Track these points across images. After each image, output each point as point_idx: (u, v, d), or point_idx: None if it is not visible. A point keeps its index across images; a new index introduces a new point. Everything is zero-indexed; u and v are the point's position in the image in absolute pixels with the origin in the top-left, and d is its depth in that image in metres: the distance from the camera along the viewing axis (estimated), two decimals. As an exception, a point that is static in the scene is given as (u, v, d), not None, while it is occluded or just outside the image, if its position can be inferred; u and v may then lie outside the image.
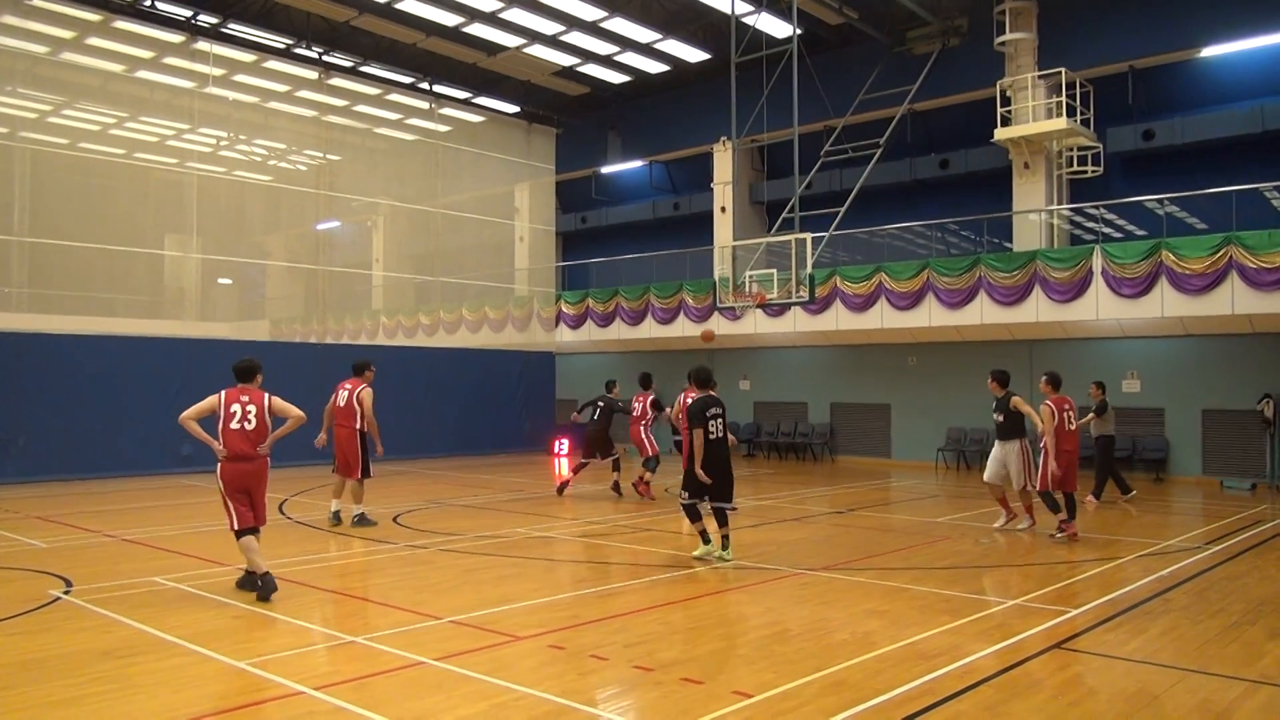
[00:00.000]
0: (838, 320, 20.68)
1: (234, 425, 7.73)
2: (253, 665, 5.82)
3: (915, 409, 21.67)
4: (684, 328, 23.05)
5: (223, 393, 7.87)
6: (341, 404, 11.56)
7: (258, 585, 7.62)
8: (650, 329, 23.85)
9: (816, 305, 19.98)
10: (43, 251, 19.71)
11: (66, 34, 20.24)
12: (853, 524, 12.47)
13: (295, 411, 7.98)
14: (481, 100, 26.37)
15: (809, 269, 17.42)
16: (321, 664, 6.02)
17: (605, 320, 24.87)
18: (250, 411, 7.82)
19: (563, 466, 20.10)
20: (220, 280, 24.83)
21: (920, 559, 9.72)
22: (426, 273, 27.68)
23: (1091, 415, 14.24)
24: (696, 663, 5.99)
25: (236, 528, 7.79)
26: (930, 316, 19.39)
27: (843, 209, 20.49)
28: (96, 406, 17.80)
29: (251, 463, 7.79)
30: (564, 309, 26.10)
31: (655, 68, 24.46)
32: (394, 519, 12.47)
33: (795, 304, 18.66)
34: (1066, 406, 11.01)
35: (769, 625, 7.02)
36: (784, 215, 20.32)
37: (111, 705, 5.16)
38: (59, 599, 7.74)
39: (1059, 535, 10.76)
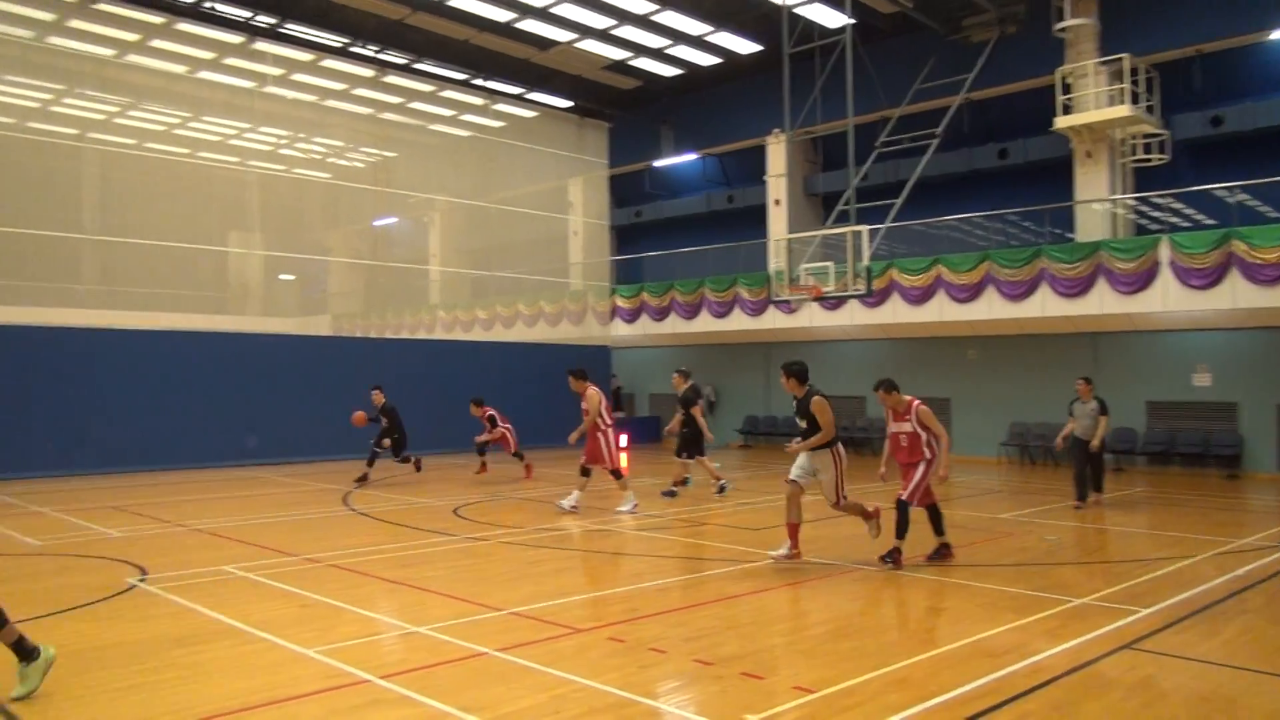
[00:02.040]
0: (895, 313, 20.43)
1: None
2: (320, 653, 5.93)
3: (976, 403, 21.33)
4: (739, 321, 22.96)
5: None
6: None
7: None
8: (705, 323, 23.79)
9: (873, 298, 19.74)
10: (112, 249, 20.26)
11: (131, 37, 20.74)
12: (912, 520, 12.29)
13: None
14: (534, 95, 26.50)
15: (865, 261, 17.23)
16: (387, 653, 6.11)
17: (660, 314, 24.86)
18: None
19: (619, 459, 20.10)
20: (282, 276, 25.30)
21: (983, 555, 9.57)
22: (482, 267, 27.93)
23: (1100, 419, 12.84)
24: (756, 657, 5.97)
25: None
26: (990, 309, 19.07)
27: (899, 200, 20.23)
28: (165, 400, 18.26)
29: None
30: (619, 303, 26.15)
31: (707, 60, 24.37)
32: (454, 511, 12.61)
33: (851, 297, 18.49)
34: None
35: (829, 621, 6.97)
36: (839, 207, 20.14)
37: (184, 691, 5.29)
38: (134, 587, 7.96)
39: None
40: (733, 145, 26.63)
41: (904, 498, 8.87)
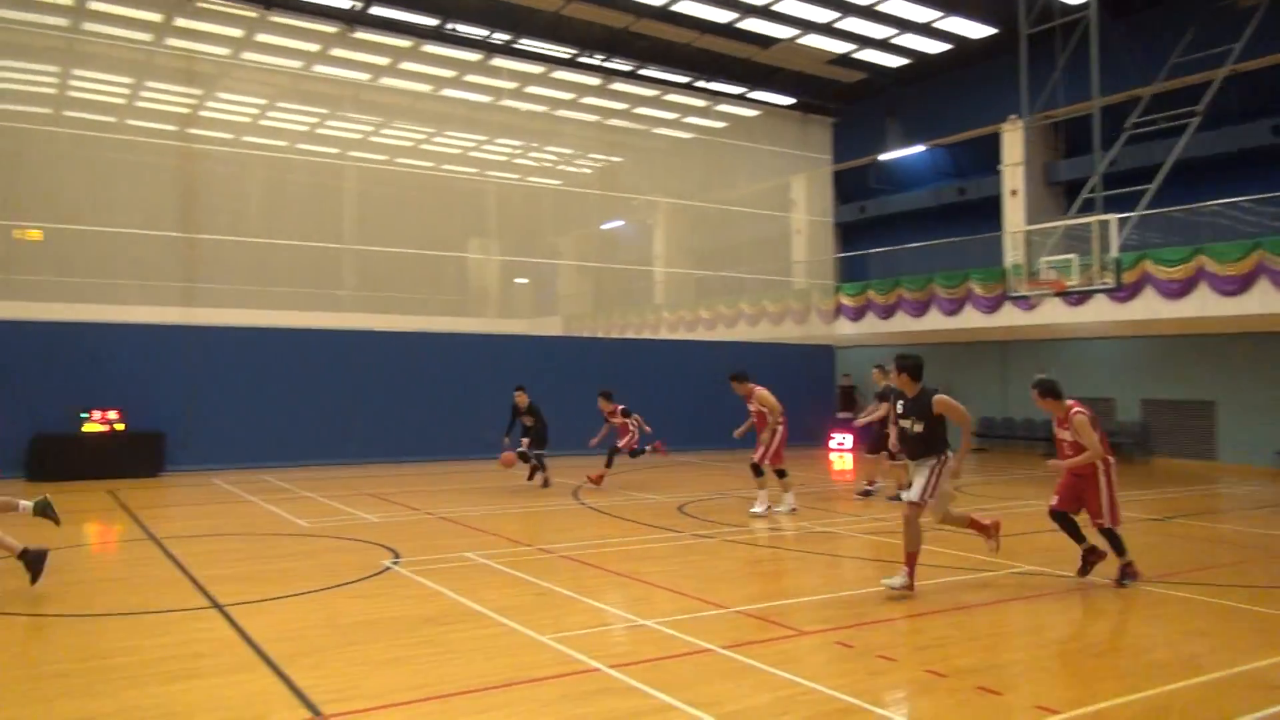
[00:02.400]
0: (1148, 308, 18.81)
1: None
2: (555, 640, 6.19)
3: (1247, 406, 19.30)
4: (972, 319, 21.93)
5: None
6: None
7: None
8: (935, 320, 22.90)
9: (1124, 292, 18.27)
10: (368, 258, 22.07)
11: (383, 61, 22.52)
12: (1173, 532, 11.32)
13: None
14: (756, 94, 26.46)
15: (1114, 252, 15.99)
16: (616, 644, 6.30)
17: (886, 312, 24.17)
18: None
19: (848, 462, 19.75)
20: (517, 280, 26.62)
21: (1258, 576, 8.64)
22: (705, 268, 28.21)
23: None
24: (994, 672, 5.68)
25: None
26: (1262, 303, 17.19)
27: (1153, 185, 18.58)
28: (415, 396, 19.67)
29: None
30: (843, 301, 25.65)
31: (935, 47, 23.42)
32: (679, 508, 12.81)
33: (1098, 291, 17.22)
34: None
35: (1075, 638, 6.53)
36: (1084, 195, 18.76)
37: (434, 667, 5.67)
38: (388, 569, 8.63)
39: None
40: (964, 135, 25.45)
41: (1105, 524, 7.94)
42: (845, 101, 27.20)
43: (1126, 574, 7.98)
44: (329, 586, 7.85)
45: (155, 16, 19.73)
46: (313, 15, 20.36)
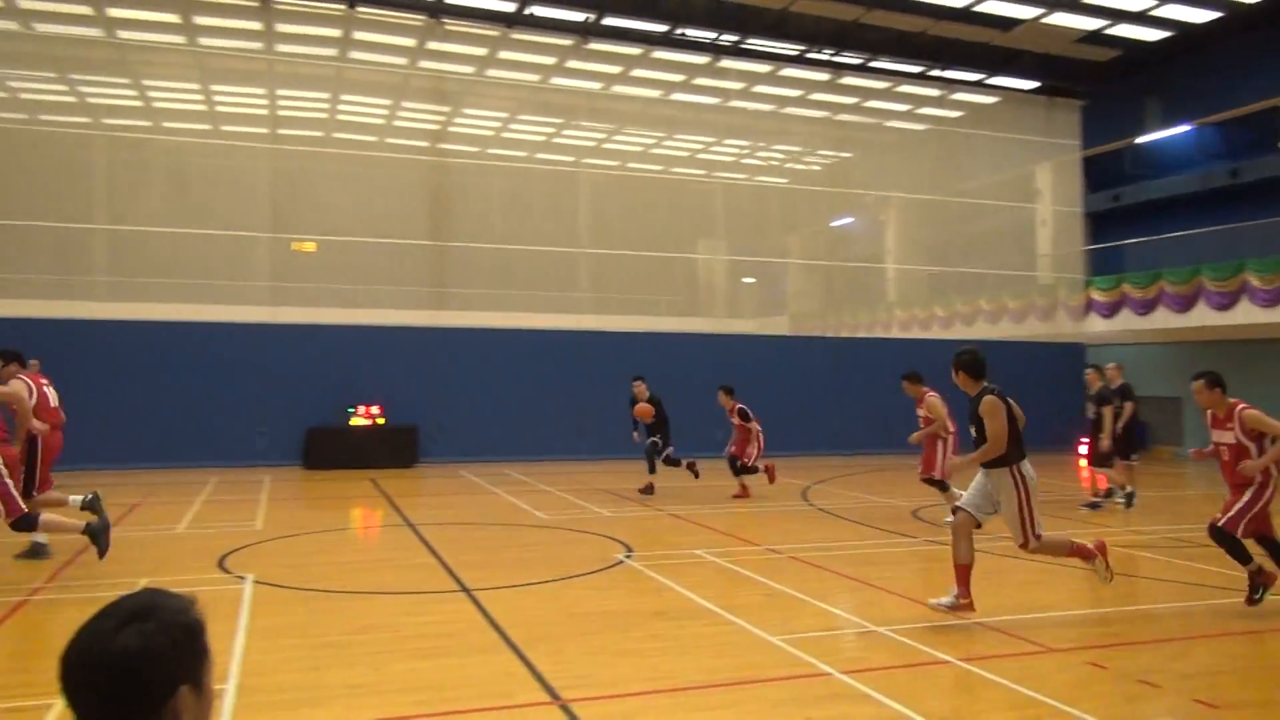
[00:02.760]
0: None
1: None
2: (784, 641, 6.15)
3: None
4: (1248, 314, 19.80)
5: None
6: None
7: None
8: (1202, 316, 20.84)
9: None
10: (601, 261, 22.85)
11: (614, 69, 23.21)
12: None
13: None
14: (996, 80, 25.12)
15: None
16: (848, 649, 6.18)
17: (1145, 307, 22.26)
18: None
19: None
20: (744, 280, 26.67)
21: None
22: (939, 263, 27.11)
23: None
24: (1278, 708, 5.11)
25: None
26: None
27: None
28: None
29: None
30: (1094, 296, 23.88)
31: (1202, 16, 21.30)
32: (914, 513, 12.40)
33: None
34: None
35: (1378, 674, 5.75)
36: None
37: (665, 660, 5.79)
38: (621, 562, 8.90)
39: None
40: (1237, 111, 22.99)
41: (1221, 524, 7.00)
42: (1096, 82, 25.28)
43: (1260, 581, 7.07)
44: (565, 577, 8.19)
45: (410, 42, 21.37)
46: (550, 30, 21.32)
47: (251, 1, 19.36)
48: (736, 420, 13.65)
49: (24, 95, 20.96)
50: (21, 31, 19.55)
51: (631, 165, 25.26)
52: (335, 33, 20.80)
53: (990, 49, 23.37)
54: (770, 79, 24.21)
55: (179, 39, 20.44)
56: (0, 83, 20.15)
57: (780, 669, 5.63)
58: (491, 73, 22.76)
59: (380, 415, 18.41)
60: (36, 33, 19.78)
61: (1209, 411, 7.48)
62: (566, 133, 24.83)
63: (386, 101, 22.85)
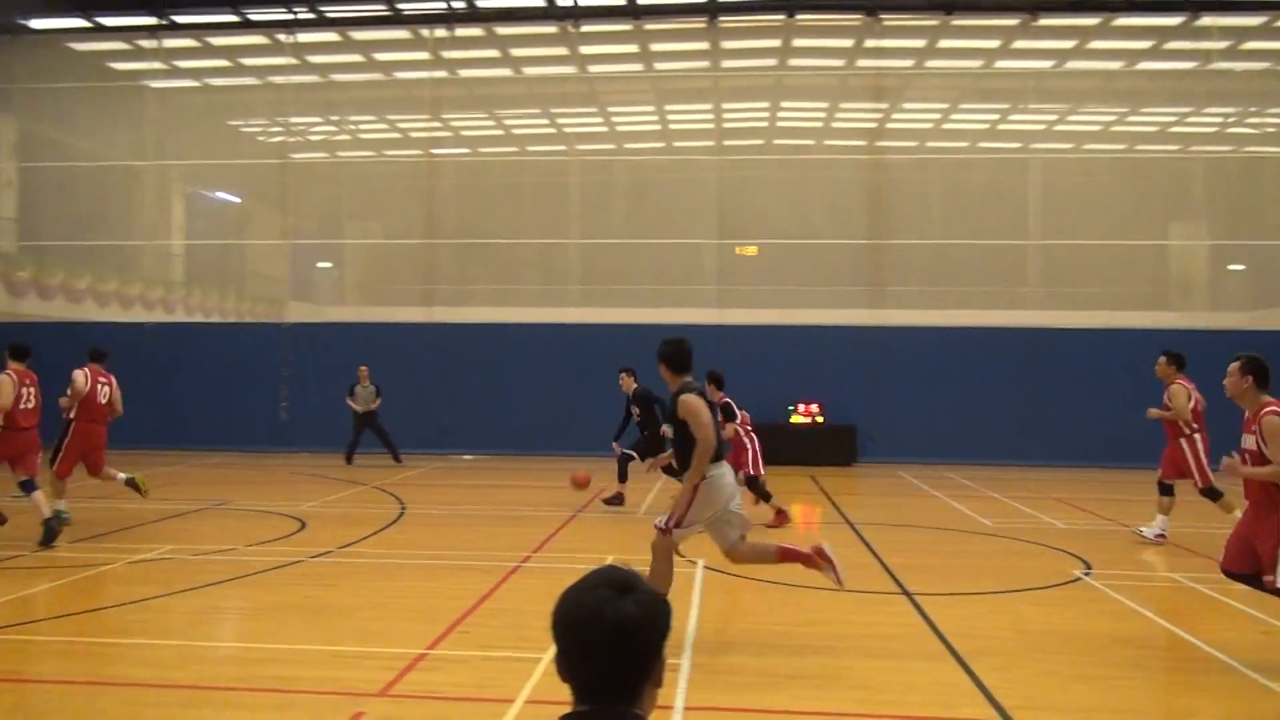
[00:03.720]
0: None
1: None
2: (1287, 689, 5.25)
3: None
4: None
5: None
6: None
7: None
8: None
9: None
10: (1052, 252, 21.20)
11: (1068, 44, 21.32)
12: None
13: None
14: None
15: None
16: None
17: None
18: None
19: None
20: (1231, 267, 23.16)
21: None
22: None
23: None
24: None
25: None
26: None
27: None
28: (1105, 397, 18.18)
29: None
30: None
31: None
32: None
33: None
34: None
35: None
36: None
37: (1133, 691, 5.22)
38: (1079, 579, 8.17)
39: None
40: None
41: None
42: None
43: None
44: (1014, 589, 7.71)
45: (847, 42, 21.47)
46: (993, 11, 20.22)
47: (699, 23, 20.72)
48: (722, 420, 10.56)
49: (515, 130, 24.40)
50: (513, 76, 22.95)
51: (1088, 146, 23.08)
52: (775, 43, 21.52)
53: None
54: (1262, 32, 20.76)
55: (638, 67, 22.53)
56: (499, 121, 23.76)
57: (1283, 721, 4.82)
58: (930, 63, 22.08)
59: (819, 414, 18.72)
60: (524, 75, 23.11)
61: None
62: (1012, 118, 23.36)
63: (824, 104, 23.16)
